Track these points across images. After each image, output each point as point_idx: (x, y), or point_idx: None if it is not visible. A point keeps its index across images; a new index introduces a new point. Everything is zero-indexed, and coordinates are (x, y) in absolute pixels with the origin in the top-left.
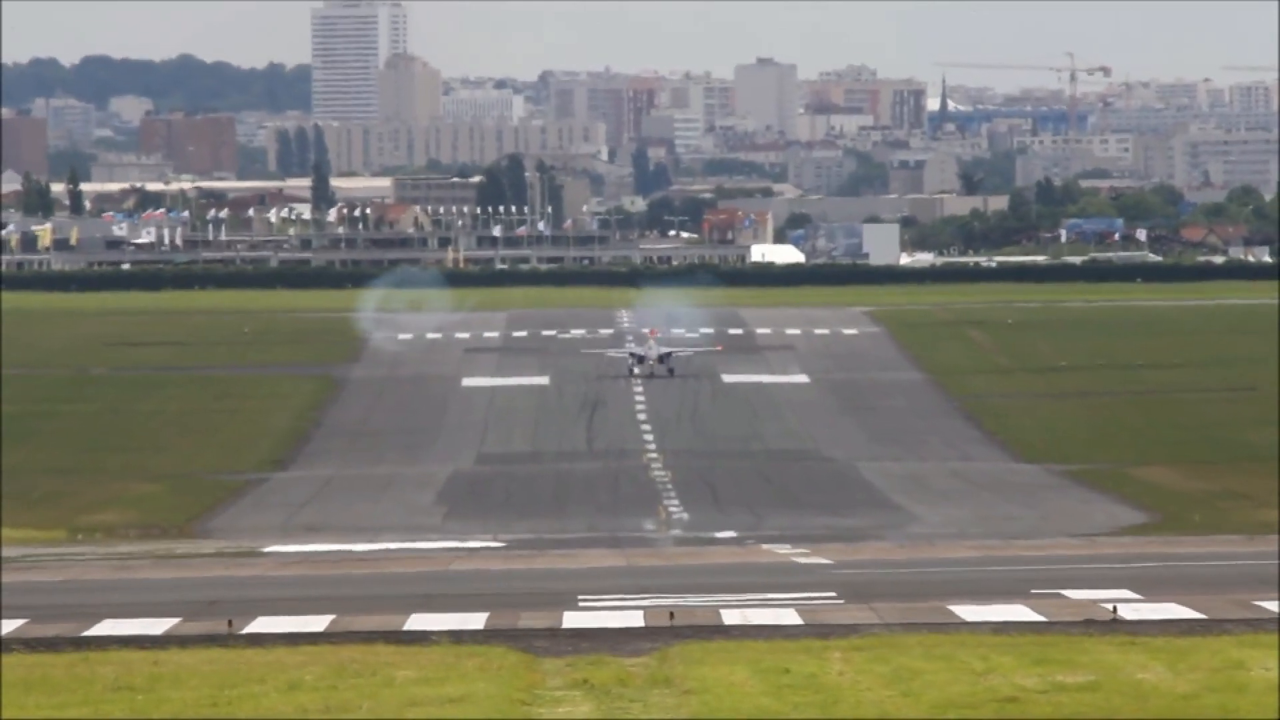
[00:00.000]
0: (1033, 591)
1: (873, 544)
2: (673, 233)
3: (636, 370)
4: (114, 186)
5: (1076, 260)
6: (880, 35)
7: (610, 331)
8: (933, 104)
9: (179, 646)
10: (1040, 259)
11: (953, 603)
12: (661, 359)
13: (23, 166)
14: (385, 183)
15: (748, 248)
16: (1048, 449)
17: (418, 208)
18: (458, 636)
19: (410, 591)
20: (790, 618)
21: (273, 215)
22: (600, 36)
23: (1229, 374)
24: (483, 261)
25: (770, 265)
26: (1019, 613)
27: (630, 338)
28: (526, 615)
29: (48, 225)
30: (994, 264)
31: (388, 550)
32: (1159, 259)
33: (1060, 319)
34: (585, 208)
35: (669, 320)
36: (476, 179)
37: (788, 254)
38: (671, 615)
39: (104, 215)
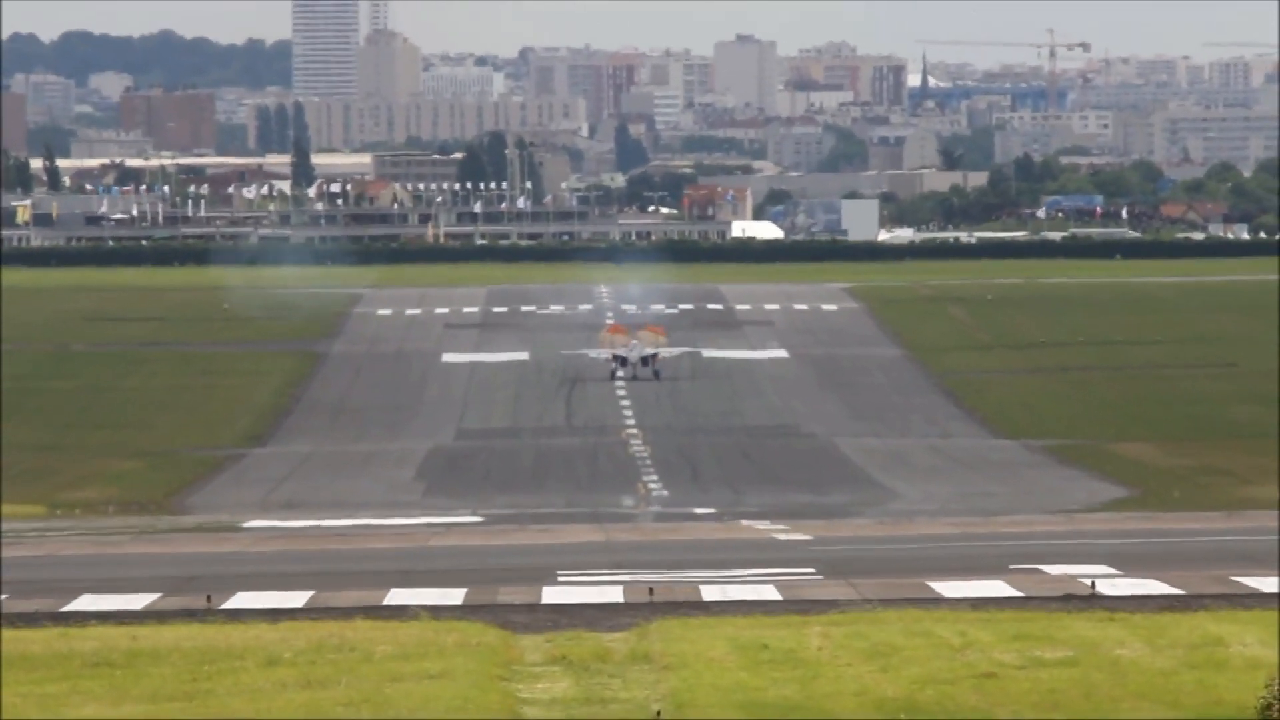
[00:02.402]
0: (1011, 567)
1: (852, 520)
2: (652, 209)
3: (620, 373)
4: (94, 162)
5: (1056, 236)
6: (860, 11)
7: (589, 307)
8: (913, 80)
9: (158, 622)
10: (1020, 235)
11: (932, 579)
12: (645, 361)
13: (2, 143)
14: (365, 159)
15: (727, 224)
16: (1027, 425)
17: (397, 184)
18: (436, 612)
19: (389, 567)
20: (769, 594)
21: (252, 191)
22: (580, 13)
23: (1209, 350)
24: (463, 237)
25: (750, 241)
26: (998, 589)
27: (610, 314)
28: (505, 591)
29: (27, 201)
30: (974, 240)
31: (367, 526)
32: (1138, 235)
33: (1040, 295)
34: (565, 184)
35: (643, 297)
36: (457, 155)
37: (767, 230)
38: (651, 591)
39: (87, 189)
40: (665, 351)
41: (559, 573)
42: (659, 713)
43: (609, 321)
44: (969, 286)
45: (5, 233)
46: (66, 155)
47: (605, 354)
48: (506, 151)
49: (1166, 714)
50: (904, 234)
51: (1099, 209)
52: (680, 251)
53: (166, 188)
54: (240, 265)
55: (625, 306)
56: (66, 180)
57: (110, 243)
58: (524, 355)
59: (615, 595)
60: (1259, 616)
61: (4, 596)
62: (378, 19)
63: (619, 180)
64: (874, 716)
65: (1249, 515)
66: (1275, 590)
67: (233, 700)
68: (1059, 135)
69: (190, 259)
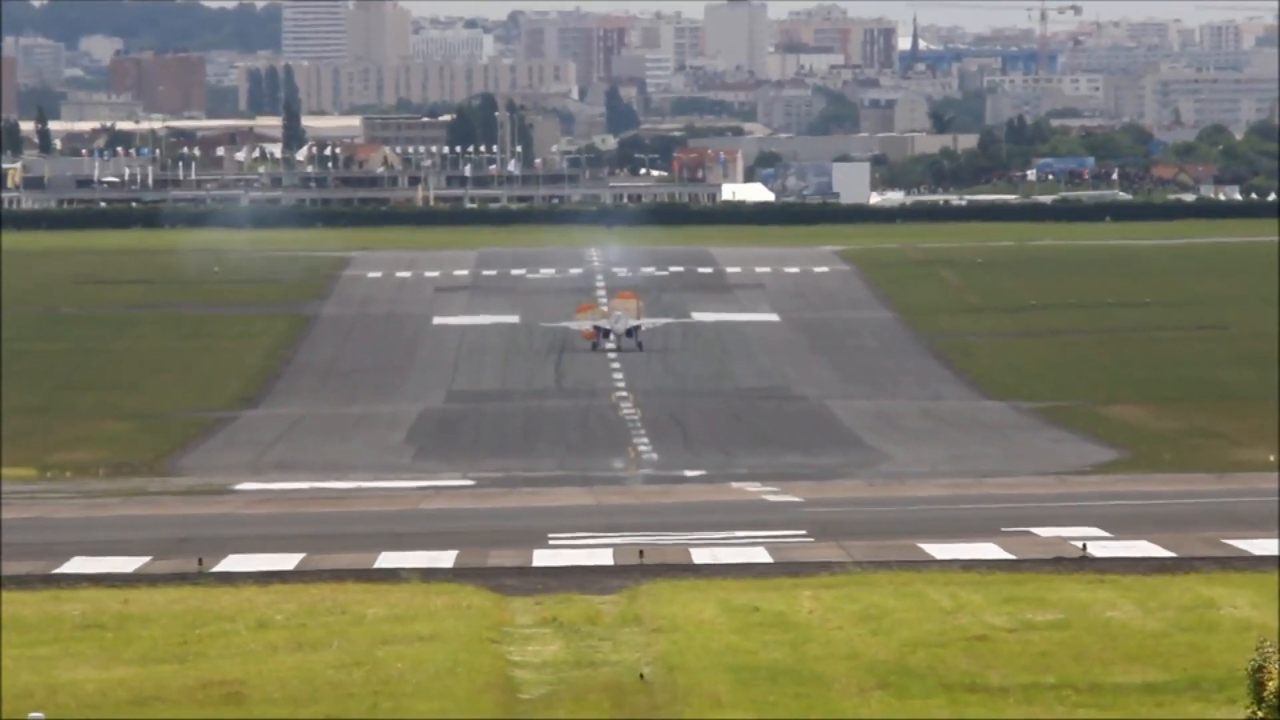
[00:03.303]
0: (1002, 530)
1: (843, 482)
2: (643, 171)
3: (607, 345)
4: (84, 125)
5: (1047, 199)
6: None
7: (580, 271)
8: (903, 43)
9: (149, 585)
10: (1010, 198)
11: (923, 541)
12: (629, 333)
13: None
14: (355, 122)
15: (718, 186)
16: (1018, 387)
17: (387, 147)
18: (427, 575)
19: (380, 530)
20: (760, 556)
21: (242, 154)
22: None
23: (1199, 312)
24: (452, 200)
25: (740, 204)
26: (989, 551)
27: (600, 276)
28: (496, 553)
29: (18, 164)
30: (964, 203)
31: (358, 489)
32: (1129, 198)
33: (1030, 258)
34: (555, 147)
35: (624, 259)
36: (446, 118)
37: (758, 193)
38: (641, 554)
39: (83, 152)
40: (649, 322)
41: (549, 535)
42: (643, 676)
43: (598, 284)
44: (960, 249)
45: None
46: (57, 118)
47: (586, 326)
48: (497, 114)
49: (1158, 676)
50: (895, 197)
51: (1090, 172)
52: (671, 214)
53: (157, 151)
54: (230, 228)
55: (616, 269)
56: (57, 143)
57: (101, 205)
58: (514, 318)
59: (606, 558)
60: (1250, 579)
61: None
62: None
63: (609, 143)
64: (865, 679)
65: (1240, 477)
66: (1266, 553)
67: (224, 662)
68: (1050, 98)
69: (181, 221)
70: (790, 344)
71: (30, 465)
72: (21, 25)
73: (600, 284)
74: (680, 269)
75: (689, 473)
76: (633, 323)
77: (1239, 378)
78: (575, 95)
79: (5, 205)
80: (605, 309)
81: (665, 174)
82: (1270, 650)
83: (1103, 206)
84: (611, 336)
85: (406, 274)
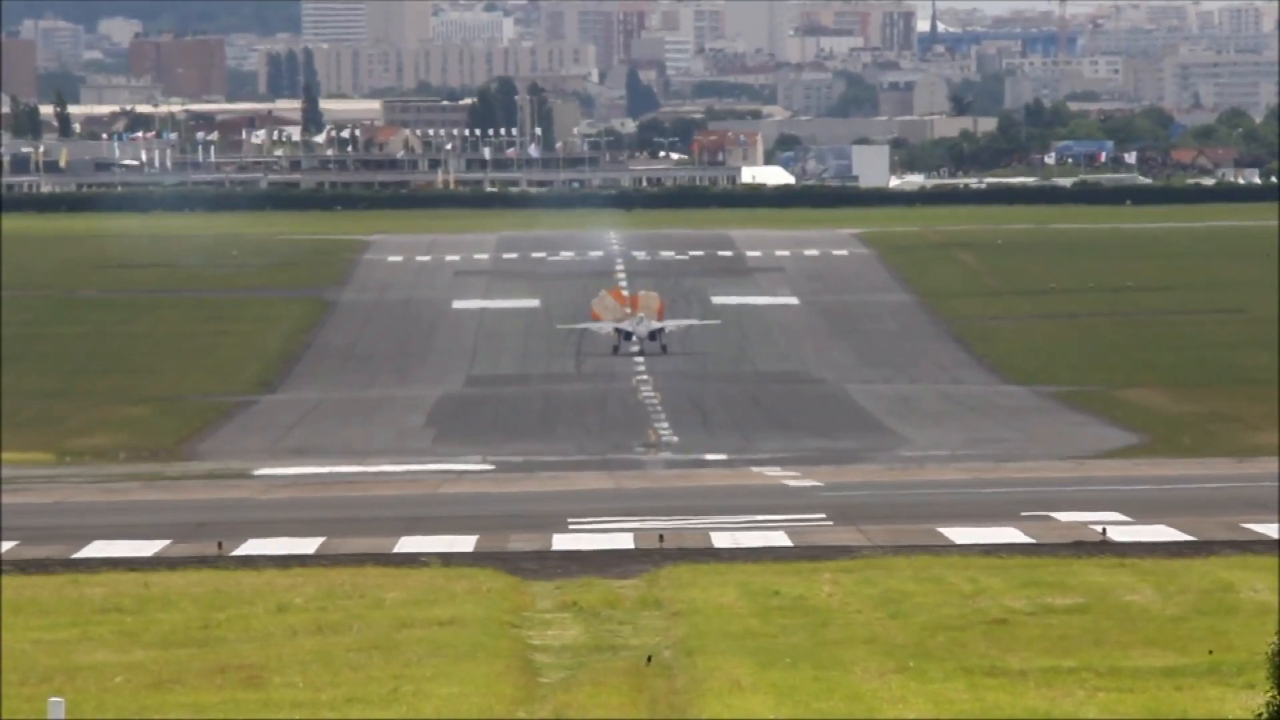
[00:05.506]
0: (1022, 514)
1: (862, 466)
2: (663, 154)
3: (633, 348)
4: (104, 109)
5: (1066, 182)
6: None
7: (599, 254)
8: (922, 26)
9: (169, 568)
10: (1029, 181)
11: (942, 525)
12: (653, 335)
13: (11, 89)
14: (375, 105)
15: (738, 169)
16: (1037, 371)
17: (407, 130)
18: (447, 559)
19: (400, 514)
20: (780, 540)
21: (261, 137)
22: None
23: (1218, 296)
24: (472, 184)
25: (760, 187)
26: (1008, 535)
27: (620, 260)
28: (516, 538)
29: (43, 146)
30: (983, 186)
31: (377, 473)
32: (1148, 181)
33: (1049, 241)
34: (575, 130)
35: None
36: (467, 101)
37: (777, 176)
38: (661, 538)
39: (103, 136)
40: (673, 324)
41: (569, 520)
42: (650, 659)
43: (618, 268)
44: (979, 232)
45: (16, 179)
46: (76, 101)
47: (607, 328)
48: (516, 97)
49: (1177, 660)
50: (914, 180)
51: (1108, 155)
52: (690, 197)
53: (176, 134)
54: (249, 211)
55: (635, 253)
56: (76, 127)
57: (120, 189)
58: (534, 303)
59: (625, 542)
60: (1269, 562)
61: (13, 544)
62: None
63: (629, 126)
64: (885, 662)
65: (1258, 462)
66: None
67: (243, 646)
68: (1069, 81)
69: (200, 205)
70: (809, 327)
71: (48, 450)
72: (40, 8)
73: (620, 268)
74: (700, 253)
75: (709, 456)
76: (656, 325)
77: (1257, 362)
78: (595, 78)
79: (25, 189)
80: (620, 299)
81: (685, 157)
82: None
83: (1122, 190)
84: (634, 339)
85: (426, 258)
